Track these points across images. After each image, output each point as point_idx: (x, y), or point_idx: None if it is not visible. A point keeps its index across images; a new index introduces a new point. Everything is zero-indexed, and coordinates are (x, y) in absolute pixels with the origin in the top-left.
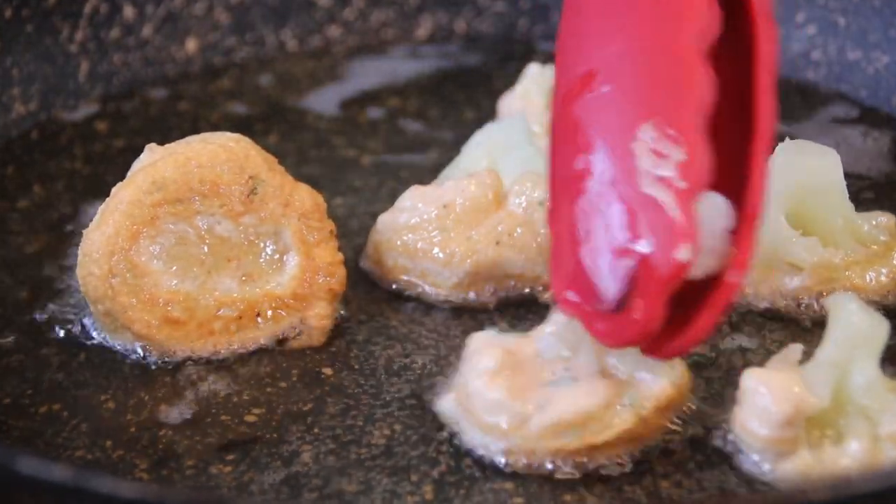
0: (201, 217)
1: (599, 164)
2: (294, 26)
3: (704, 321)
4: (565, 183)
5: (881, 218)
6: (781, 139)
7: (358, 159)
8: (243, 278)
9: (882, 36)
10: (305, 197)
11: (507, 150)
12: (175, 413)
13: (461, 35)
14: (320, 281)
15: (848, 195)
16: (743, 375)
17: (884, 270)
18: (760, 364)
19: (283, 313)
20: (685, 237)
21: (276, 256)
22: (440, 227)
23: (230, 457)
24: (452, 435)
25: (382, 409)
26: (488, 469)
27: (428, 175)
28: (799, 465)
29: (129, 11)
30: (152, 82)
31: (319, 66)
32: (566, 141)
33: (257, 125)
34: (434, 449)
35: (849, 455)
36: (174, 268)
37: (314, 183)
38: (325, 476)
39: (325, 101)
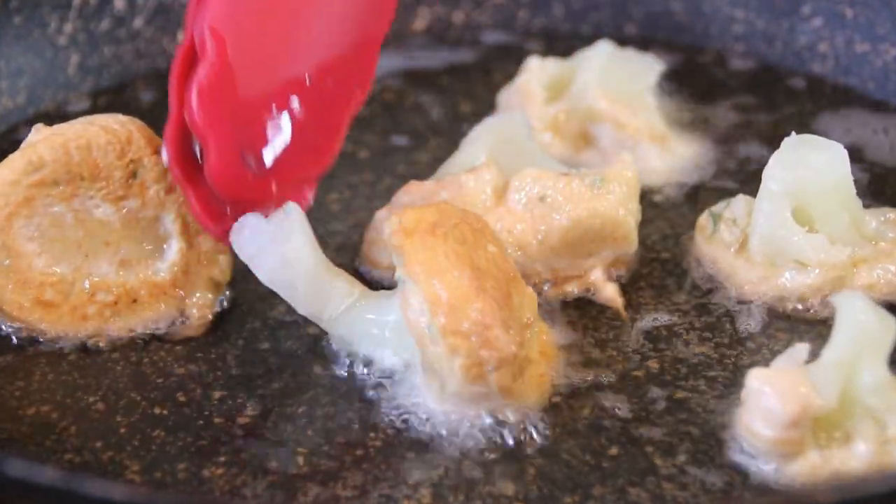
0: (79, 199)
1: None
2: None
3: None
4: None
5: (889, 214)
6: (787, 134)
7: (354, 154)
8: (121, 263)
9: (891, 28)
10: None
11: (507, 144)
12: (167, 415)
13: (459, 27)
14: (202, 269)
15: (855, 191)
16: (748, 375)
17: (892, 268)
18: (765, 364)
19: (161, 301)
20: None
21: (157, 242)
22: None
23: (223, 459)
24: (452, 438)
25: (379, 413)
26: (489, 472)
27: (426, 170)
28: (805, 468)
29: (119, 3)
30: (144, 76)
31: None
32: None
33: None
34: (432, 452)
35: (857, 457)
36: (49, 250)
37: None
38: (321, 480)
39: None
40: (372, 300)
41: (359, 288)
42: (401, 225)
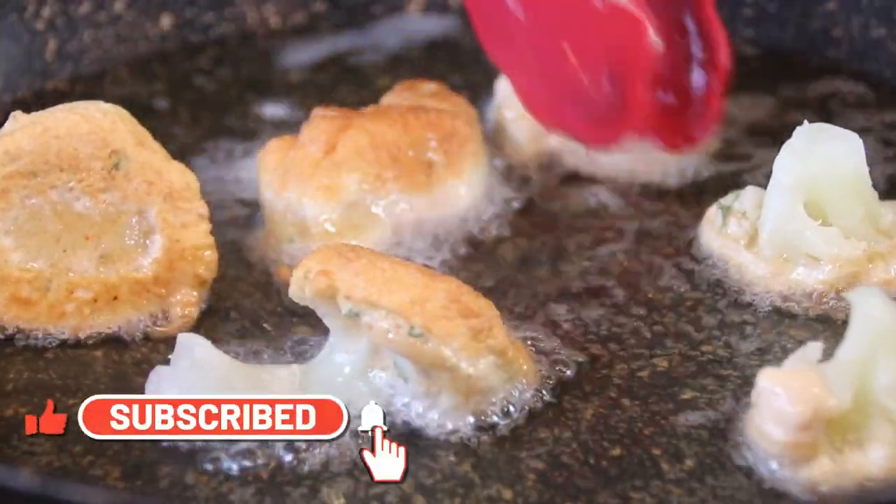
0: (58, 191)
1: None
2: (277, 1)
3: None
4: (504, 26)
5: None
6: (800, 123)
7: None
8: (101, 258)
9: None
10: (175, 176)
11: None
12: None
13: (456, 9)
14: (186, 266)
15: (871, 182)
16: (758, 375)
17: None
18: (777, 363)
19: (143, 298)
20: (644, 23)
21: (140, 237)
22: None
23: (208, 466)
24: (447, 441)
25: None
26: (485, 476)
27: None
28: (819, 472)
29: None
30: (125, 61)
31: (304, 43)
32: None
33: (237, 107)
34: (426, 457)
35: (872, 461)
36: (26, 245)
37: None
38: (310, 486)
39: (311, 81)
40: (316, 365)
41: (295, 366)
42: (313, 271)
